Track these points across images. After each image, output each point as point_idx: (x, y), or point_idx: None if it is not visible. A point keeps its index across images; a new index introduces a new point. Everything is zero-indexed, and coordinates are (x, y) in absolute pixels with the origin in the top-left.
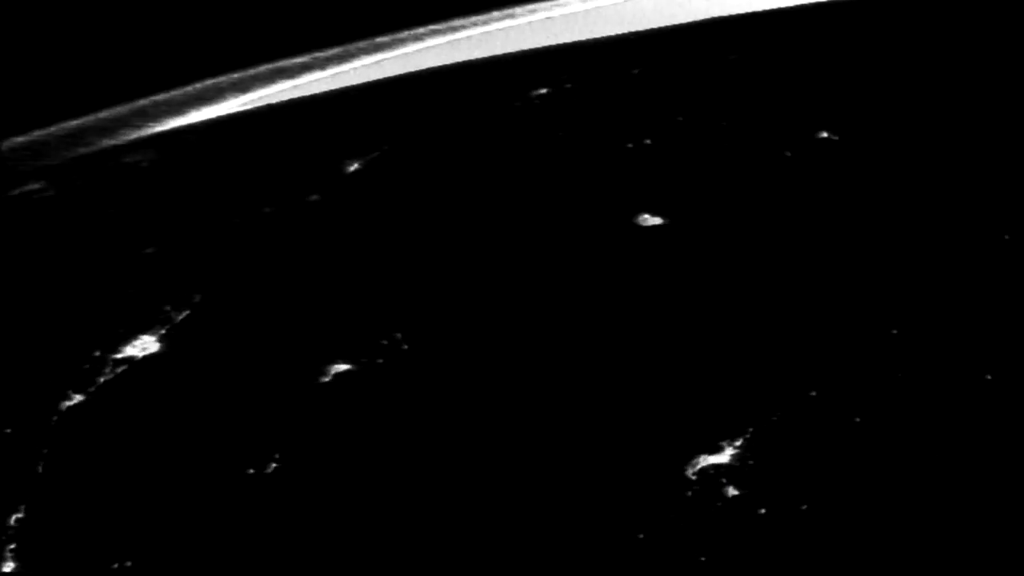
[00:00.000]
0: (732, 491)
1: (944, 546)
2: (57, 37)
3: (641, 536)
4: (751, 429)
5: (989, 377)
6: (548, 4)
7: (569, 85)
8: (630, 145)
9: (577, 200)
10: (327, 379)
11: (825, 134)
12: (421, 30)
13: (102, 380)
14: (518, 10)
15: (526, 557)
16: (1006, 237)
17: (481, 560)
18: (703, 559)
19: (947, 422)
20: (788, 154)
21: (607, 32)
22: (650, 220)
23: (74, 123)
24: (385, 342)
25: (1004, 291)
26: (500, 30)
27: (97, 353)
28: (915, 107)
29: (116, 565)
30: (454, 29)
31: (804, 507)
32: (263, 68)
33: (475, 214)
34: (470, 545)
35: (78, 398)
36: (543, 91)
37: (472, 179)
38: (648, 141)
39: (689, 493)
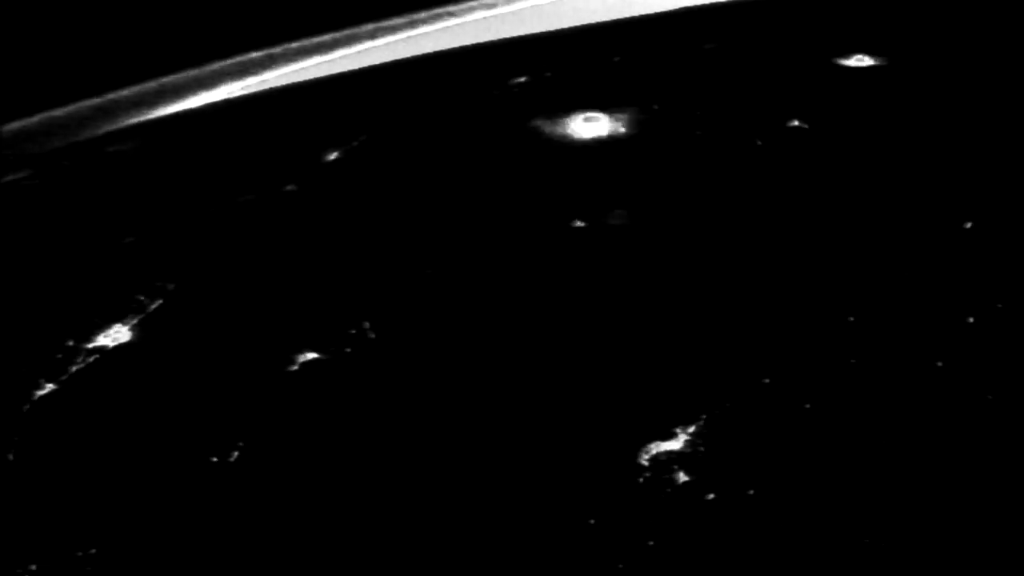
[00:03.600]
0: (683, 477)
1: (894, 530)
2: (45, 27)
3: (592, 522)
4: (704, 416)
5: (941, 364)
6: None
7: (549, 74)
8: (606, 134)
9: (551, 190)
10: (295, 368)
11: (796, 122)
12: (403, 20)
13: (74, 369)
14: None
15: (479, 541)
16: (967, 226)
17: (439, 545)
18: (651, 544)
19: (900, 409)
20: (758, 142)
21: (588, 20)
22: (615, 209)
23: (64, 111)
24: (353, 331)
25: (963, 279)
26: (482, 19)
27: (71, 343)
28: (888, 98)
29: (81, 553)
30: (436, 18)
31: (751, 492)
32: (246, 58)
33: (451, 205)
34: (429, 531)
35: (50, 387)
36: (522, 79)
37: (450, 169)
38: (624, 130)
39: (640, 480)
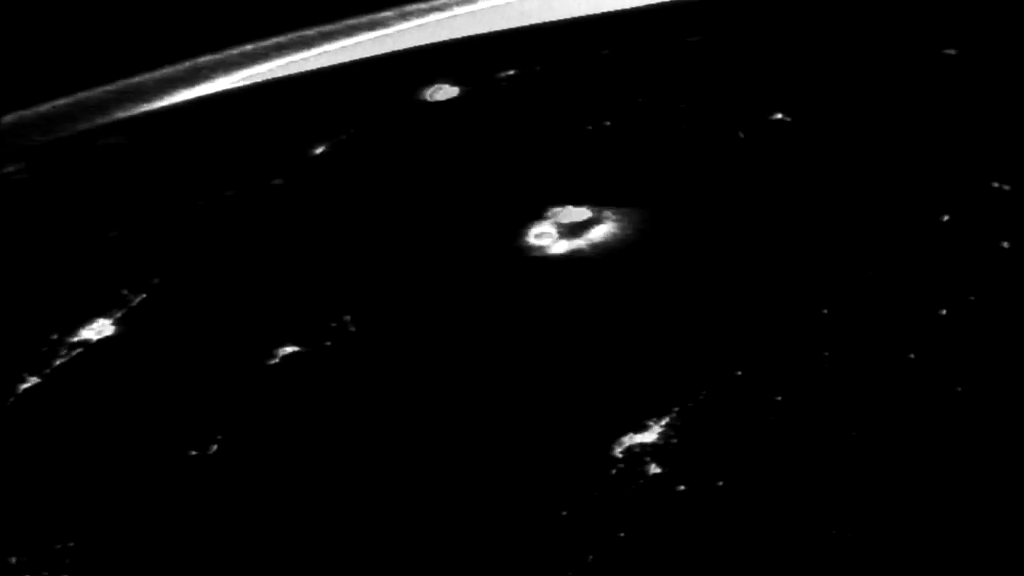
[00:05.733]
0: (655, 469)
1: (862, 521)
2: (38, 20)
3: (564, 514)
4: (677, 408)
5: (913, 356)
6: None
7: (537, 67)
8: (589, 127)
9: (533, 184)
10: (275, 361)
11: (779, 115)
12: (391, 13)
13: (57, 363)
14: None
15: (453, 533)
16: (944, 218)
17: (413, 537)
18: (622, 535)
19: (871, 401)
20: (741, 135)
21: (583, 12)
22: (593, 203)
23: (55, 105)
24: (333, 324)
25: (937, 272)
26: (471, 12)
27: (55, 336)
28: (870, 92)
29: (59, 546)
30: (423, 12)
31: (721, 483)
32: (237, 51)
33: (436, 199)
34: (403, 523)
35: (33, 380)
36: (511, 72)
37: (436, 163)
38: (608, 123)
39: (613, 471)
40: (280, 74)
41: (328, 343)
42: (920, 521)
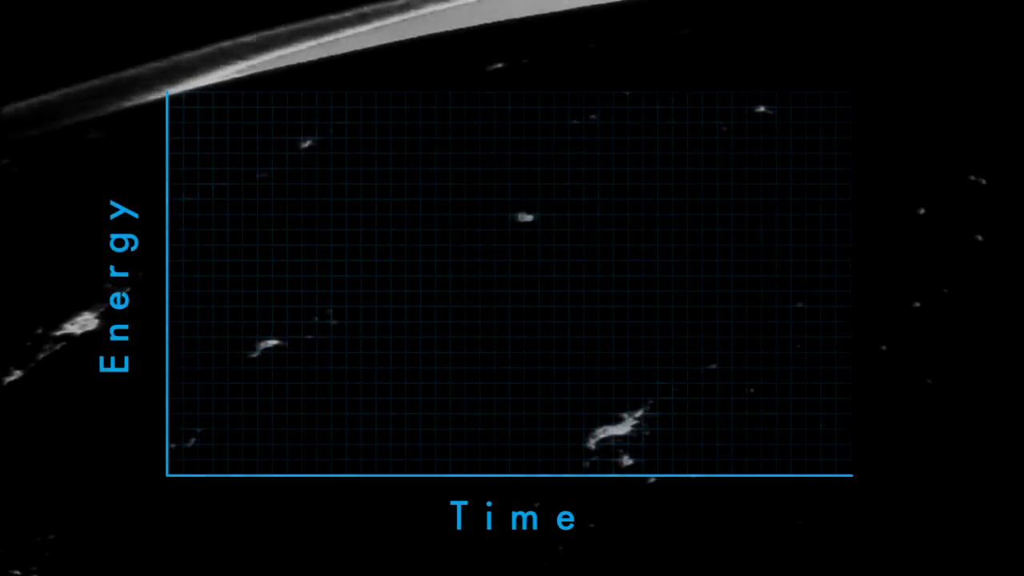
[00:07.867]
0: (628, 460)
1: (834, 513)
2: (31, 14)
3: (537, 505)
4: (651, 401)
5: (884, 348)
6: None
7: (526, 60)
8: (576, 121)
9: (521, 178)
10: (255, 354)
11: (762, 108)
12: (383, 6)
13: (41, 357)
14: None
15: (433, 522)
16: (920, 212)
17: (396, 528)
18: (592, 526)
19: (845, 394)
20: (724, 128)
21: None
22: (579, 196)
23: (50, 96)
24: (316, 318)
25: (914, 267)
26: (459, 6)
27: (39, 330)
28: (858, 87)
29: (40, 539)
30: (412, 6)
31: (695, 477)
32: (231, 44)
33: (422, 193)
34: (385, 518)
35: (17, 374)
36: (499, 65)
37: (423, 157)
38: (593, 116)
39: (587, 464)
40: (264, 69)
41: (309, 336)
42: (894, 512)
